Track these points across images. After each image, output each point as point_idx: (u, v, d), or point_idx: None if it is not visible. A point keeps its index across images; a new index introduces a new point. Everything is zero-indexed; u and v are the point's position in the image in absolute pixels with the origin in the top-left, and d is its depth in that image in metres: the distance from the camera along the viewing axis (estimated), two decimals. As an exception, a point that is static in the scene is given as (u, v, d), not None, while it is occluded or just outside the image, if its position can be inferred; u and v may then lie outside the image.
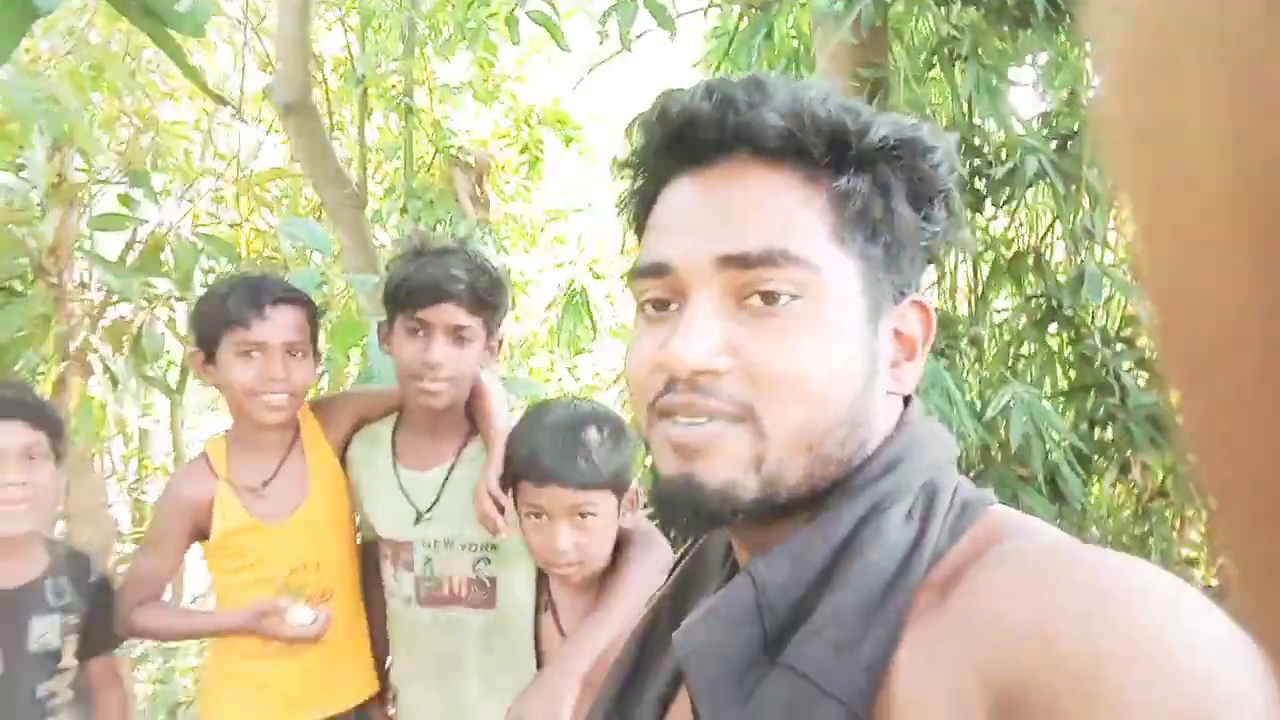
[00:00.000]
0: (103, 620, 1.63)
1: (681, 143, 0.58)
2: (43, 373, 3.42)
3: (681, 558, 0.73)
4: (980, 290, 2.97)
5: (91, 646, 1.61)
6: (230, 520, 1.57)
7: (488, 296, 1.47)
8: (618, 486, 1.34)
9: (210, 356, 1.53)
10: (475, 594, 1.52)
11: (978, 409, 2.63)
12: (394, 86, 4.24)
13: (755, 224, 0.54)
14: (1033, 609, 0.43)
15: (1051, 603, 0.42)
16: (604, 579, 1.41)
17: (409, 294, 1.46)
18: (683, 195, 0.58)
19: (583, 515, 1.31)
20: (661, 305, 0.58)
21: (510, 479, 1.39)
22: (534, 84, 4.92)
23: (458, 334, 1.46)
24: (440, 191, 3.85)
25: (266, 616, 1.50)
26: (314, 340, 1.60)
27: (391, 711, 1.72)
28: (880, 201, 0.56)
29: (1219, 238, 0.18)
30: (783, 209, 0.55)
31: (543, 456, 1.31)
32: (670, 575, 0.72)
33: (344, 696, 1.64)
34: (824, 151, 0.54)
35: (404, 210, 3.93)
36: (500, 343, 1.61)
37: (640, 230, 0.64)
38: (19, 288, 3.46)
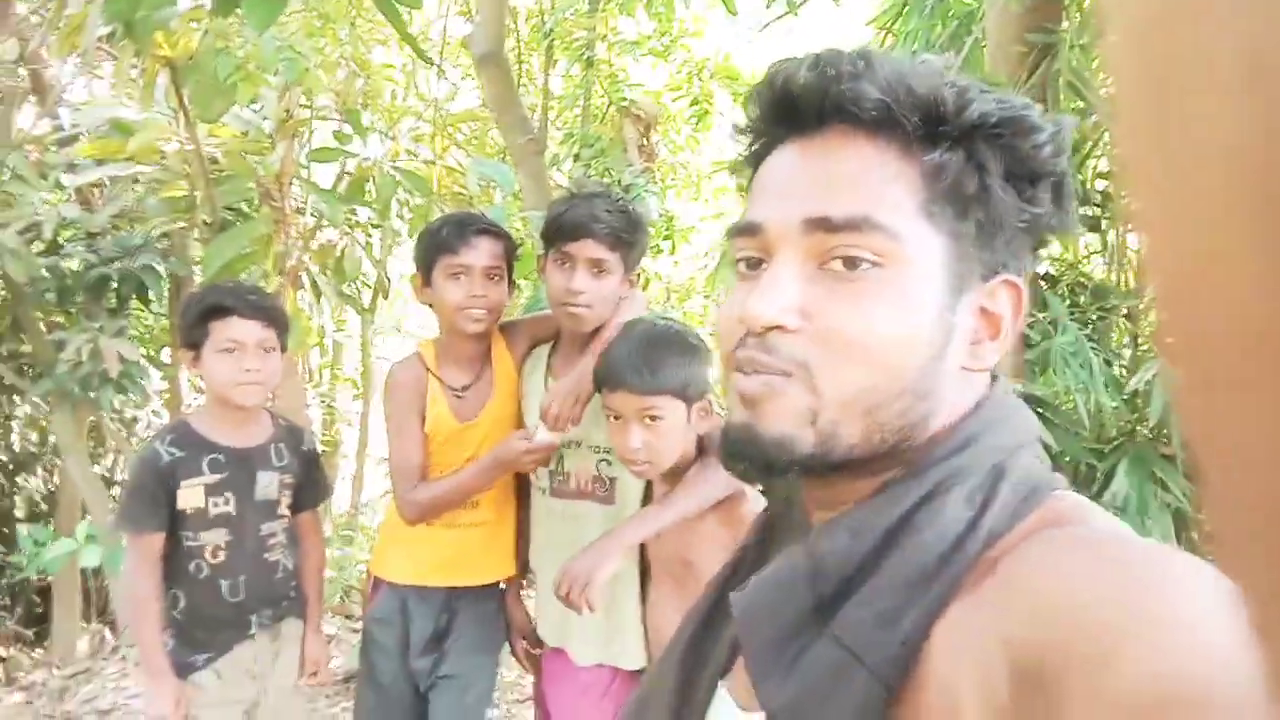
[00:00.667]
0: (309, 481, 2.03)
1: (786, 111, 0.59)
2: (262, 285, 3.85)
3: (769, 508, 0.75)
4: (1141, 262, 2.90)
5: (300, 502, 2.01)
6: (440, 420, 1.86)
7: (624, 234, 1.68)
8: (685, 395, 1.49)
9: (427, 280, 1.82)
10: (597, 490, 1.75)
11: (1123, 383, 2.61)
12: (578, 40, 4.47)
13: (845, 191, 0.55)
14: (1061, 584, 0.43)
15: (1080, 578, 0.43)
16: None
17: (557, 230, 1.70)
18: (782, 161, 0.60)
19: (652, 419, 1.48)
20: (754, 264, 0.60)
21: (596, 387, 1.59)
22: (708, 40, 5.04)
23: (597, 266, 1.68)
24: (611, 140, 4.08)
25: (520, 440, 1.72)
26: (510, 268, 1.86)
27: (530, 593, 2.00)
28: (974, 178, 0.55)
29: (1237, 234, 0.17)
30: (873, 179, 0.55)
31: (614, 365, 1.50)
32: (757, 524, 0.75)
33: (487, 571, 1.93)
34: (918, 125, 0.55)
35: (577, 157, 4.19)
36: (638, 277, 1.82)
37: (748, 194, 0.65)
38: (246, 210, 3.96)
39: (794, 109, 0.58)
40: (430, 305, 1.86)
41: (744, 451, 0.57)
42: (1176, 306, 0.20)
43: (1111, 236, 2.96)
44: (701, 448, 1.59)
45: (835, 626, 0.51)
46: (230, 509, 1.86)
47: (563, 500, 1.79)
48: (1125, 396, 2.55)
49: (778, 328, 0.55)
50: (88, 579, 4.15)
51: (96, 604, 4.32)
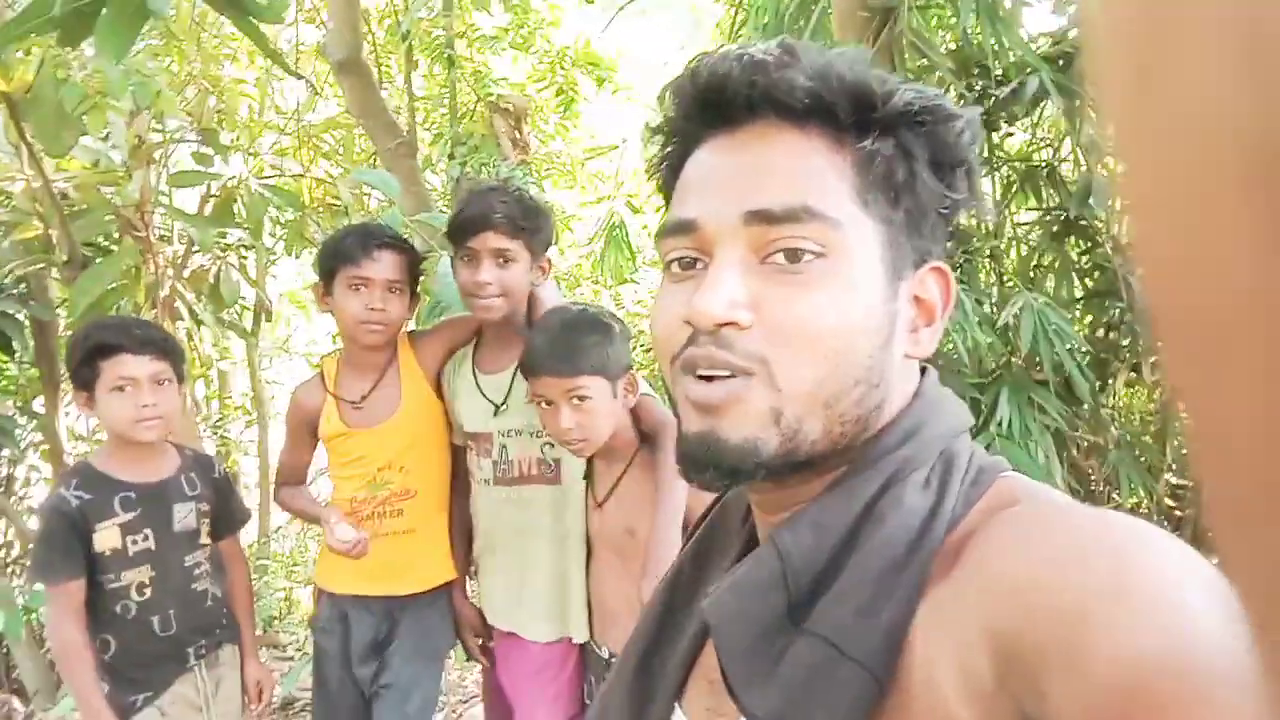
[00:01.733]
0: (226, 508, 2.01)
1: (711, 105, 0.59)
2: (135, 320, 3.69)
3: (701, 519, 0.75)
4: (997, 204, 3.09)
5: (219, 530, 1.98)
6: (331, 426, 1.90)
7: (524, 222, 1.73)
8: (606, 372, 1.57)
9: (328, 289, 1.82)
10: (543, 472, 1.81)
11: (994, 319, 2.79)
12: (437, 38, 4.42)
13: (781, 181, 0.55)
14: (1029, 560, 0.44)
15: (1046, 554, 0.44)
16: (655, 467, 1.66)
17: (458, 228, 1.74)
18: (711, 156, 0.60)
19: (579, 399, 1.56)
20: (688, 264, 0.59)
21: (525, 374, 1.66)
22: (566, 28, 5.06)
23: (501, 256, 1.73)
24: (483, 137, 4.07)
25: (326, 523, 1.82)
26: (413, 281, 1.88)
27: (472, 586, 2.02)
28: (903, 166, 0.56)
29: (1230, 207, 0.17)
30: (808, 168, 0.55)
31: (536, 353, 1.58)
32: (691, 535, 0.74)
33: (423, 578, 1.95)
34: (849, 112, 0.55)
35: (451, 155, 4.16)
36: (549, 263, 1.87)
37: (669, 195, 0.64)
38: (109, 244, 3.78)
39: (720, 102, 0.58)
40: (330, 314, 1.86)
41: (706, 460, 0.56)
42: (1165, 282, 0.19)
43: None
44: (643, 429, 1.66)
45: (814, 624, 0.51)
46: (150, 544, 1.83)
47: (508, 487, 1.83)
48: (997, 331, 2.72)
49: (730, 324, 0.54)
50: (-14, 648, 3.93)
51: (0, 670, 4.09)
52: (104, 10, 1.12)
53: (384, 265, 1.80)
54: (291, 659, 3.96)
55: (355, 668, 1.94)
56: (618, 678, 0.70)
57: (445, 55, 4.39)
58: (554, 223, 1.92)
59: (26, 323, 3.65)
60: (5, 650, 4.00)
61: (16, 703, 3.84)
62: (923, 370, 0.62)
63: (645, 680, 0.67)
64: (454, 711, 3.39)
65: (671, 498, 1.59)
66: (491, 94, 4.35)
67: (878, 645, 0.49)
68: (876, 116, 0.56)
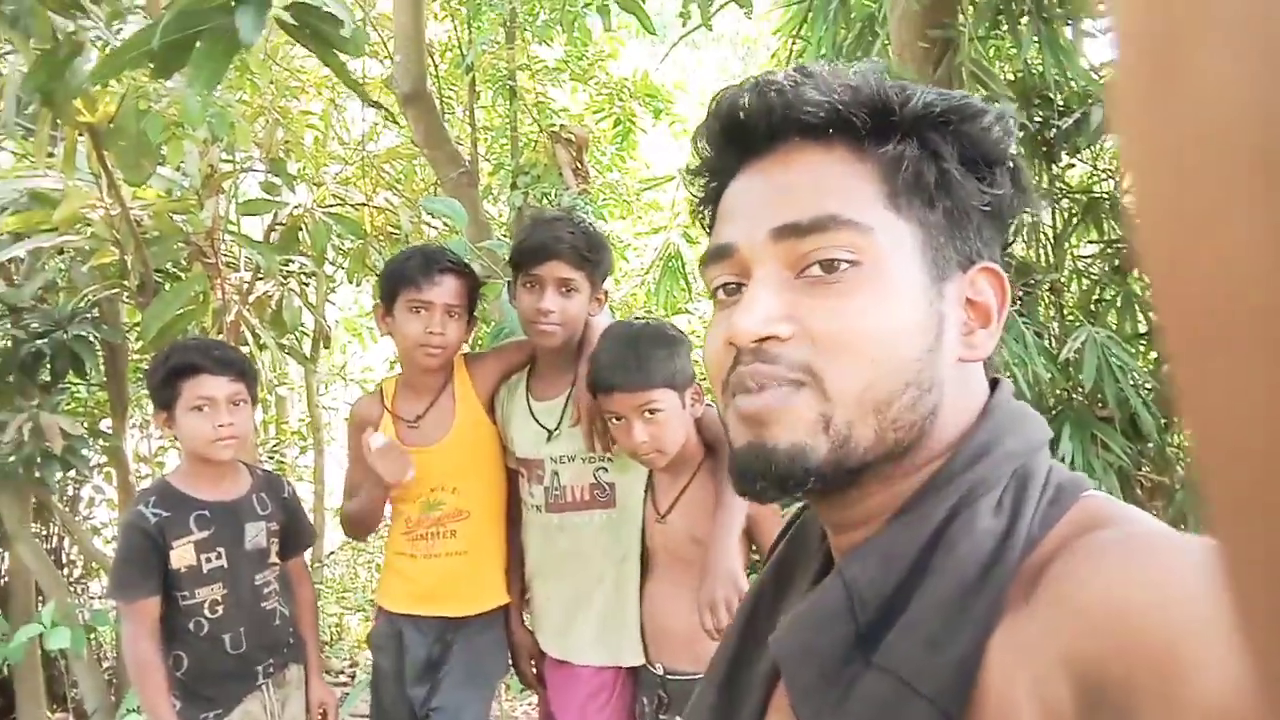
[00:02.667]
0: (295, 528, 2.05)
1: (736, 137, 0.60)
2: (203, 343, 3.78)
3: (781, 537, 0.74)
4: (1057, 237, 3.05)
5: (288, 549, 2.03)
6: None
7: (588, 253, 1.75)
8: (674, 384, 1.58)
9: (389, 310, 1.85)
10: (597, 496, 1.82)
11: (1054, 353, 2.74)
12: (499, 71, 4.52)
13: (806, 196, 0.56)
14: (1114, 591, 0.42)
15: (1132, 584, 0.42)
16: (716, 475, 1.66)
17: (523, 255, 1.77)
18: (742, 184, 0.61)
19: (651, 412, 1.57)
20: (732, 290, 0.60)
21: (591, 393, 1.66)
22: (624, 60, 5.14)
23: (565, 285, 1.75)
24: (545, 166, 4.14)
25: (366, 449, 1.83)
26: (471, 305, 1.91)
27: (526, 616, 2.03)
28: (932, 166, 0.56)
29: (1237, 195, 0.17)
30: (833, 180, 0.56)
31: (605, 370, 1.59)
32: (769, 557, 0.74)
33: (476, 600, 1.96)
34: (867, 121, 0.55)
35: (513, 185, 4.23)
36: (606, 294, 1.89)
37: (712, 229, 0.65)
38: (178, 270, 3.90)
39: (743, 132, 0.59)
40: (390, 335, 1.90)
41: (756, 469, 0.55)
42: (1170, 269, 0.19)
43: (1027, 215, 3.09)
44: (706, 438, 1.67)
45: (882, 657, 0.49)
46: (223, 563, 1.87)
47: (560, 514, 1.84)
48: (1059, 365, 2.67)
49: (770, 338, 0.54)
50: (51, 664, 4.02)
51: (59, 690, 4.18)
52: (199, 43, 1.18)
53: (444, 289, 1.83)
54: (344, 684, 3.99)
55: (409, 687, 1.95)
56: (702, 696, 0.69)
57: (507, 86, 4.49)
58: (612, 254, 1.94)
59: (99, 346, 3.77)
60: (67, 669, 4.09)
61: None
62: (996, 384, 0.61)
63: (728, 699, 0.66)
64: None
65: (730, 506, 1.60)
66: (554, 124, 4.42)
67: (949, 681, 0.47)
68: (896, 121, 0.56)
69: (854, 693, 0.50)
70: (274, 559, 1.99)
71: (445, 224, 3.07)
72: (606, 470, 1.80)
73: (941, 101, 0.56)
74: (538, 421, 1.86)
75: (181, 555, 1.83)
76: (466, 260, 1.97)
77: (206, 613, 1.86)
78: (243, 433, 1.88)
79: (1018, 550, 0.50)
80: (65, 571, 4.59)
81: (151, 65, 1.30)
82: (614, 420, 1.62)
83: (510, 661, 2.04)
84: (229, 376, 1.85)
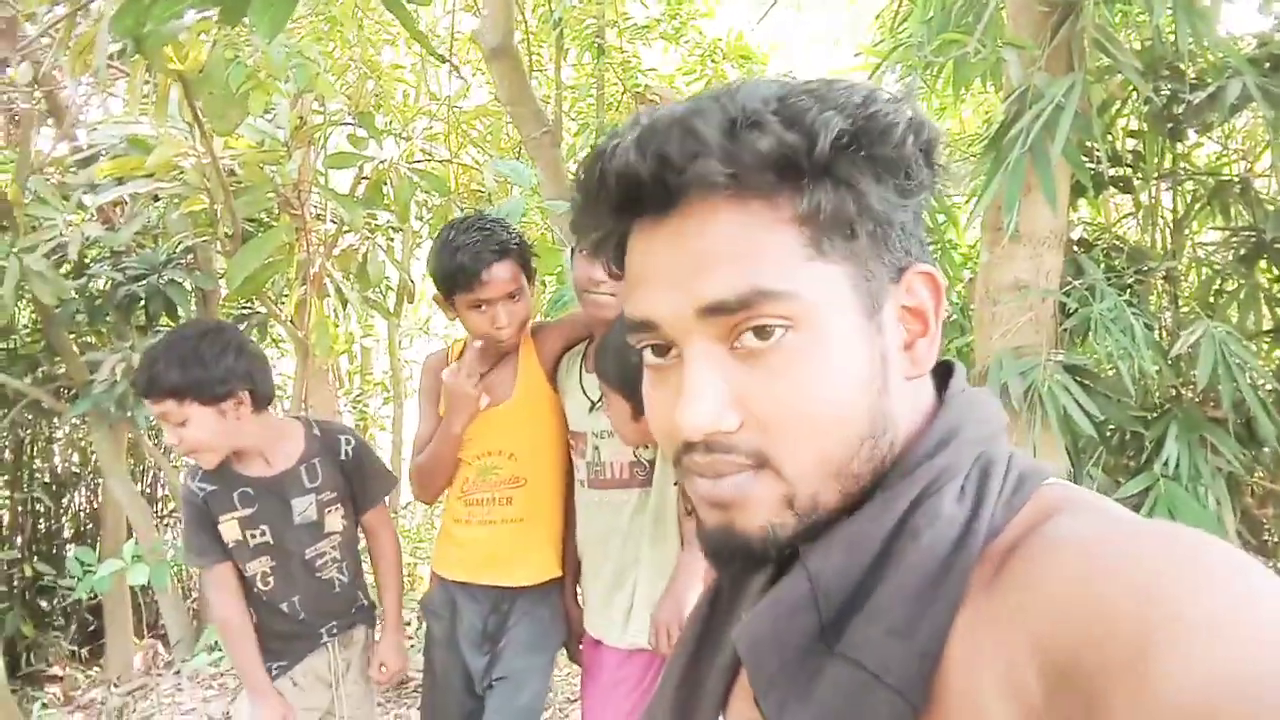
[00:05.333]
0: (361, 484, 2.02)
1: (630, 204, 0.56)
2: (287, 294, 3.88)
3: None
4: (1177, 221, 2.83)
5: (360, 506, 2.01)
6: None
7: None
8: None
9: (449, 299, 1.84)
10: (636, 474, 1.78)
11: (1165, 347, 2.55)
12: (588, 27, 4.43)
13: (726, 267, 0.52)
14: (1084, 579, 0.42)
15: (1105, 573, 0.41)
16: None
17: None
18: (648, 245, 0.56)
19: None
20: (661, 351, 0.57)
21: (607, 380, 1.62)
22: (719, 20, 4.97)
23: None
24: (628, 127, 4.04)
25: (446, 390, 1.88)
26: (529, 277, 1.87)
27: (580, 590, 1.99)
28: (850, 198, 0.52)
29: None
30: (750, 245, 0.52)
31: (607, 369, 1.56)
32: None
33: (530, 570, 1.93)
34: (774, 180, 0.52)
35: (595, 146, 4.15)
36: None
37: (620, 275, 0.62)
38: (266, 220, 3.97)
39: (637, 200, 0.55)
40: (457, 318, 1.88)
41: (730, 552, 0.56)
42: None
43: (1145, 197, 2.88)
44: None
45: (847, 646, 0.50)
46: (268, 539, 1.88)
47: (600, 490, 1.82)
48: (1169, 360, 2.49)
49: (719, 433, 0.53)
50: (138, 595, 4.21)
51: (147, 619, 4.37)
52: (259, -12, 1.13)
53: (498, 282, 1.79)
54: (411, 638, 4.06)
55: (467, 655, 1.94)
56: (662, 690, 0.69)
57: (595, 44, 4.39)
58: None
59: (191, 291, 3.87)
60: (153, 600, 4.28)
61: (161, 649, 4.10)
62: (950, 368, 0.60)
63: (688, 692, 0.66)
64: (560, 710, 3.39)
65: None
66: (639, 85, 4.32)
67: (914, 670, 0.47)
68: (804, 170, 0.51)
69: (818, 682, 0.50)
70: (331, 528, 1.96)
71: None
72: (647, 447, 1.75)
73: (849, 128, 0.51)
74: (585, 393, 1.82)
75: (228, 530, 1.85)
76: (512, 227, 1.90)
77: (260, 583, 1.88)
78: (195, 444, 1.77)
79: (980, 538, 0.50)
80: (156, 508, 4.79)
81: (218, 10, 1.26)
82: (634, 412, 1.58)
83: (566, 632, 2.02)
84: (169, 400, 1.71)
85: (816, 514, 0.54)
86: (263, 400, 1.84)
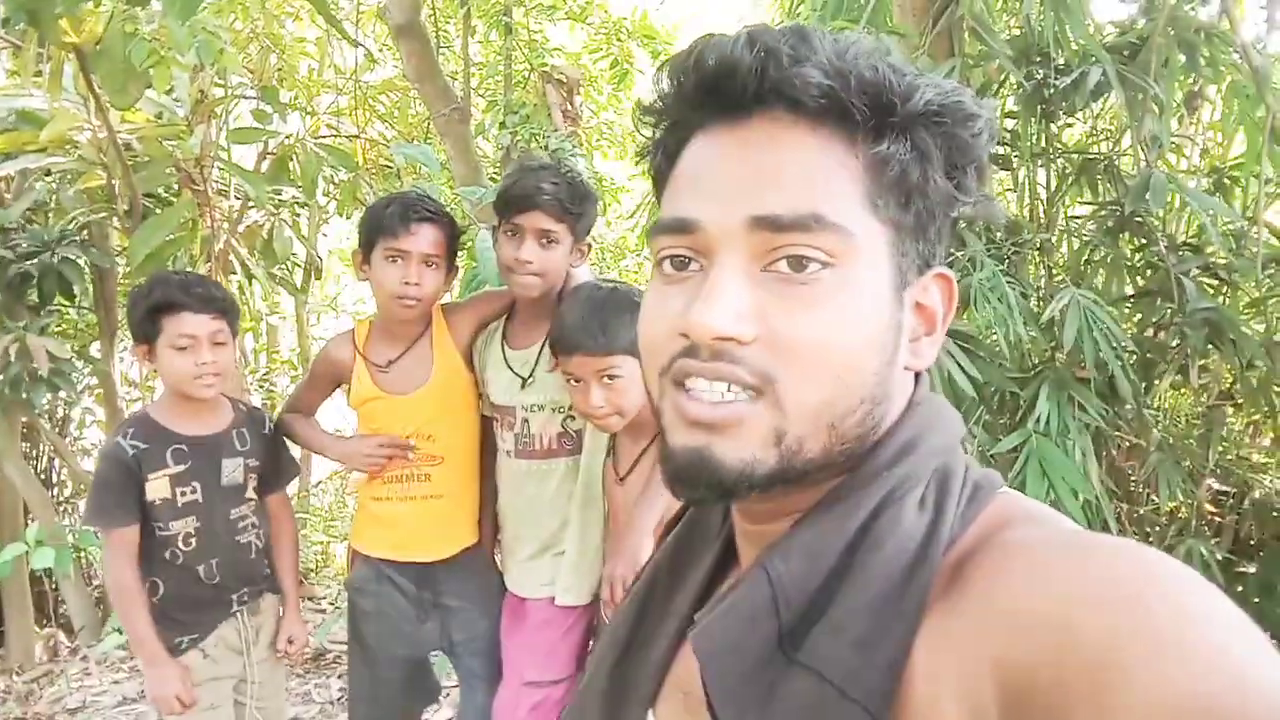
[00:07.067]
0: (275, 464, 2.07)
1: (716, 94, 0.54)
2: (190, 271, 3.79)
3: (676, 519, 0.72)
4: (1050, 196, 3.04)
5: (269, 484, 2.05)
6: (363, 388, 1.93)
7: (571, 205, 1.73)
8: (636, 351, 1.57)
9: (367, 258, 1.85)
10: (565, 445, 1.85)
11: (1039, 313, 2.75)
12: (495, 5, 4.44)
13: (790, 186, 0.51)
14: (1045, 597, 0.42)
15: (1063, 590, 0.41)
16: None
17: (506, 203, 1.75)
18: (714, 150, 0.55)
19: (610, 378, 1.57)
20: (681, 264, 0.55)
21: (553, 353, 1.68)
22: (623, 0, 5.04)
23: (545, 236, 1.74)
24: (534, 106, 4.08)
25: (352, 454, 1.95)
26: (451, 254, 1.89)
27: (498, 550, 2.07)
28: (917, 168, 0.52)
29: None
30: (819, 172, 0.51)
31: (568, 332, 1.59)
32: (664, 541, 0.72)
33: (449, 544, 1.98)
34: (866, 114, 0.51)
35: (501, 125, 4.18)
36: (589, 246, 1.88)
37: (661, 183, 0.60)
38: (169, 196, 3.88)
39: (726, 92, 0.53)
40: (368, 282, 1.89)
41: (698, 478, 0.52)
42: None
43: (1022, 174, 3.09)
44: None
45: (808, 656, 0.49)
46: (198, 497, 1.89)
47: (528, 460, 1.87)
48: (1042, 326, 2.68)
49: (733, 339, 0.50)
50: (38, 583, 4.09)
51: (46, 608, 4.26)
52: (174, -29, 1.16)
53: (421, 239, 1.81)
54: (324, 611, 4.07)
55: (404, 624, 1.98)
56: (592, 679, 0.68)
57: (503, 22, 4.41)
58: (598, 206, 1.92)
59: (87, 269, 3.76)
60: (55, 586, 4.17)
61: (63, 637, 4.01)
62: (916, 375, 0.59)
63: (619, 684, 0.65)
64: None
65: (658, 483, 1.60)
66: (545, 64, 4.36)
67: (876, 684, 0.46)
68: (894, 118, 0.52)
69: (778, 693, 0.49)
70: (251, 494, 2.00)
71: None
72: (575, 419, 1.82)
73: (940, 99, 0.52)
74: (511, 369, 1.87)
75: (157, 488, 1.85)
76: (447, 207, 1.95)
77: (180, 544, 1.89)
78: (224, 370, 1.88)
79: (941, 549, 0.49)
80: (54, 492, 4.65)
81: (129, -8, 1.28)
82: (572, 382, 1.63)
83: None
84: (210, 314, 1.83)
85: (797, 460, 0.52)
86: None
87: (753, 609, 0.52)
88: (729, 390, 0.51)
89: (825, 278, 0.51)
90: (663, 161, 0.60)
